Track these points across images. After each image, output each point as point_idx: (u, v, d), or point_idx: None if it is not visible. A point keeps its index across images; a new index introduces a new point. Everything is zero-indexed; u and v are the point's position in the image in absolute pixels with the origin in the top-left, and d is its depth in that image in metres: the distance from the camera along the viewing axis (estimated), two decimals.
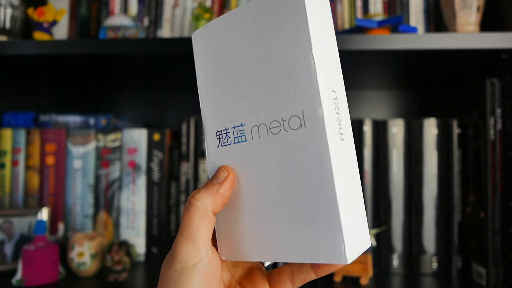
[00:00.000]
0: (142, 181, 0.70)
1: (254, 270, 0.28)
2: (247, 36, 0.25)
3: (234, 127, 0.26)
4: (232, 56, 0.26)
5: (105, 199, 0.70)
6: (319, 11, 0.24)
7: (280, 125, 0.23)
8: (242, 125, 0.25)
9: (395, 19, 0.58)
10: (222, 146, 0.27)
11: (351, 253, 0.21)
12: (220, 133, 0.27)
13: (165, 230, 0.70)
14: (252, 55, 0.25)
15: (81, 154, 0.71)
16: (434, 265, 0.63)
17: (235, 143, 0.26)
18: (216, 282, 0.24)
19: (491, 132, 0.58)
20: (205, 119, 0.27)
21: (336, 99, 0.23)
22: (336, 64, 0.25)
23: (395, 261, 0.64)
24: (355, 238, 0.22)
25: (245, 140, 0.25)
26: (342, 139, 0.23)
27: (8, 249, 0.64)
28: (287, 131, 0.23)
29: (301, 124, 0.23)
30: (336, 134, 0.22)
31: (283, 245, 0.23)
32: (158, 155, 0.70)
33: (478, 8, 0.59)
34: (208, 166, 0.27)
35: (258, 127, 0.25)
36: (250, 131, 0.25)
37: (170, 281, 0.23)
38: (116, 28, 0.63)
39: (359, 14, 0.78)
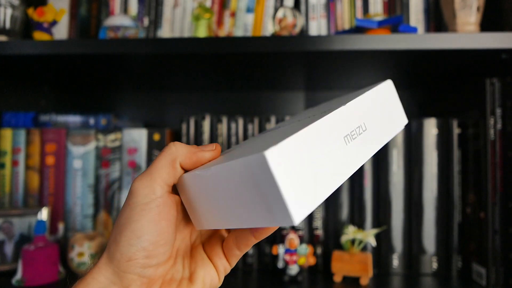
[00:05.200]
0: None
1: (214, 235, 0.30)
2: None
3: (278, 126, 0.33)
4: None
5: (105, 199, 0.70)
6: (381, 102, 0.31)
7: (308, 117, 0.29)
8: (285, 124, 0.33)
9: (395, 19, 0.58)
10: (260, 134, 0.34)
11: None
12: (267, 130, 0.35)
13: None
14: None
15: (81, 154, 0.71)
16: (434, 265, 0.63)
17: (270, 131, 0.32)
18: (167, 225, 0.24)
19: (491, 132, 0.58)
20: None
21: (364, 130, 0.28)
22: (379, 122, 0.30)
23: (395, 261, 0.64)
24: (304, 198, 0.22)
25: (279, 128, 0.31)
26: (347, 141, 0.26)
27: (8, 249, 0.64)
28: (310, 118, 0.29)
29: (324, 112, 0.27)
30: (339, 130, 0.25)
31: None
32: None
33: (478, 8, 0.59)
34: None
35: (294, 122, 0.30)
36: (286, 124, 0.32)
37: (123, 214, 0.24)
38: (116, 28, 0.63)
39: (359, 14, 0.78)
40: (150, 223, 0.23)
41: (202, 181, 0.25)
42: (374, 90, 0.30)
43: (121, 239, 0.24)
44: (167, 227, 0.24)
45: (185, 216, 0.29)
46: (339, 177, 0.24)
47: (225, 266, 0.29)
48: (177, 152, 0.26)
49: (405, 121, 0.33)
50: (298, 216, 0.20)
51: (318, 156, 0.23)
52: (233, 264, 0.29)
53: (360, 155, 0.26)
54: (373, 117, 0.29)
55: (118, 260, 0.24)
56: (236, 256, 0.28)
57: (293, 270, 0.60)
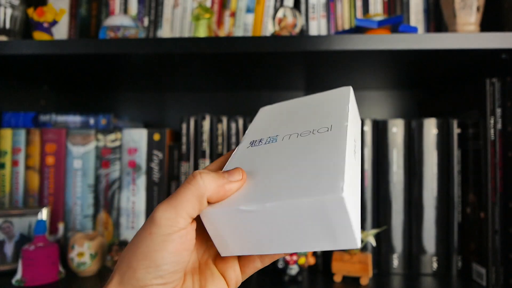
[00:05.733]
0: (142, 181, 0.70)
1: None
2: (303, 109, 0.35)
3: (269, 137, 0.31)
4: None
5: (105, 199, 0.70)
6: (353, 105, 0.33)
7: (310, 132, 0.29)
8: (276, 136, 0.31)
9: (395, 19, 0.58)
10: (252, 146, 0.31)
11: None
12: (254, 141, 0.32)
13: None
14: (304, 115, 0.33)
15: (81, 154, 0.71)
16: (434, 265, 0.63)
17: (265, 143, 0.30)
18: (187, 254, 0.24)
19: (491, 132, 0.58)
20: (246, 137, 0.34)
21: (356, 141, 0.29)
22: (357, 131, 0.32)
23: (395, 261, 0.64)
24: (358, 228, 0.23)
25: (275, 141, 0.30)
26: (355, 157, 0.27)
27: (8, 249, 0.64)
28: (314, 134, 0.28)
29: (328, 129, 0.28)
30: (351, 149, 0.26)
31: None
32: (158, 155, 0.70)
33: (478, 8, 0.59)
34: (230, 162, 0.30)
35: (291, 135, 0.30)
36: (282, 137, 0.30)
37: (143, 242, 0.23)
38: (116, 28, 0.63)
39: (359, 14, 0.78)
40: (171, 254, 0.23)
41: (245, 215, 0.24)
42: (350, 101, 0.31)
43: (138, 266, 0.23)
44: (187, 256, 0.24)
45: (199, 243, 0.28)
46: (359, 190, 0.26)
47: (237, 279, 0.28)
48: (205, 187, 0.24)
49: (359, 120, 0.36)
50: (359, 239, 0.22)
51: (354, 179, 0.24)
52: (247, 277, 0.29)
53: (358, 166, 0.28)
54: (355, 127, 0.30)
55: (132, 285, 0.23)
56: (256, 268, 0.28)
57: (293, 270, 0.60)
